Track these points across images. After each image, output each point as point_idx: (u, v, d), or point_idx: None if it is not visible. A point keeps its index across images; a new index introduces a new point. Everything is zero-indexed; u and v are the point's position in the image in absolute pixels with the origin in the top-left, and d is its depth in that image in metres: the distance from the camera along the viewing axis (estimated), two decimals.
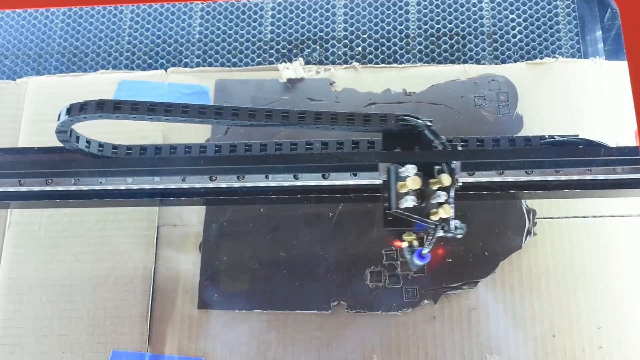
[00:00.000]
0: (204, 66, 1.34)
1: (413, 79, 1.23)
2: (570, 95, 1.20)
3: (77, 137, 0.95)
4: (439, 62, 1.30)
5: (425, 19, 1.35)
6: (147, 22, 1.39)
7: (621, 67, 1.20)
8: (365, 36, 1.34)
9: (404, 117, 0.89)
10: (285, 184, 0.91)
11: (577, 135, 0.96)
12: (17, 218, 1.18)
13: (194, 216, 1.15)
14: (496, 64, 1.29)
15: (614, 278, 1.09)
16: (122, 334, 1.11)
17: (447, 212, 0.81)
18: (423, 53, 1.32)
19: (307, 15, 1.37)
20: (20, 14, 1.41)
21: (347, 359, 1.07)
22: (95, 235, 1.16)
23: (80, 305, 1.12)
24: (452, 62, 1.30)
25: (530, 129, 1.17)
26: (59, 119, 0.87)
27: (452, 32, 1.33)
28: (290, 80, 1.24)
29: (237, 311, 1.09)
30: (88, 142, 0.98)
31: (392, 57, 1.32)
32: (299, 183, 0.91)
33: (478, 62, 1.30)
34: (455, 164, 0.85)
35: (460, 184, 0.86)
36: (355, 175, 0.90)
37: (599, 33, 1.28)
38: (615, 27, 1.26)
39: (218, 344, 1.09)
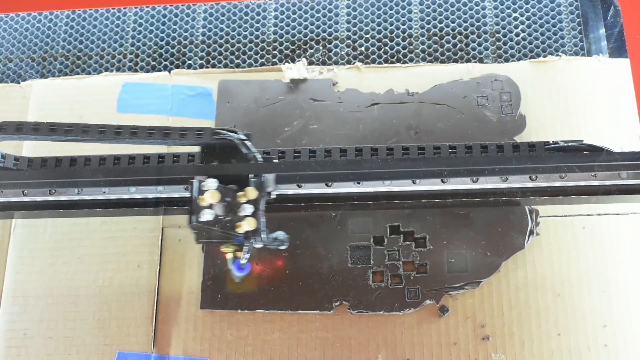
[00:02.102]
0: (207, 67, 1.34)
1: (416, 78, 1.23)
2: (574, 93, 1.19)
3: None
4: (442, 62, 1.30)
5: (428, 18, 1.35)
6: (151, 24, 1.39)
7: (624, 65, 1.20)
8: (368, 36, 1.34)
9: (220, 130, 0.90)
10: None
11: (582, 141, 0.96)
12: (23, 221, 1.18)
13: None
14: (499, 62, 1.28)
15: (620, 276, 1.08)
16: (128, 336, 1.11)
17: (251, 224, 0.83)
18: (426, 52, 1.32)
19: (309, 16, 1.37)
20: (24, 17, 1.42)
21: (352, 358, 1.07)
22: (100, 237, 1.16)
23: (86, 307, 1.13)
24: (455, 61, 1.30)
25: (534, 128, 1.17)
26: None
27: (455, 32, 1.33)
28: (293, 81, 1.24)
29: (240, 311, 1.10)
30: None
31: (395, 57, 1.32)
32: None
33: (481, 61, 1.30)
34: (266, 177, 0.87)
35: (274, 196, 0.88)
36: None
37: (602, 31, 1.28)
38: (618, 25, 1.26)
39: (223, 345, 1.09)
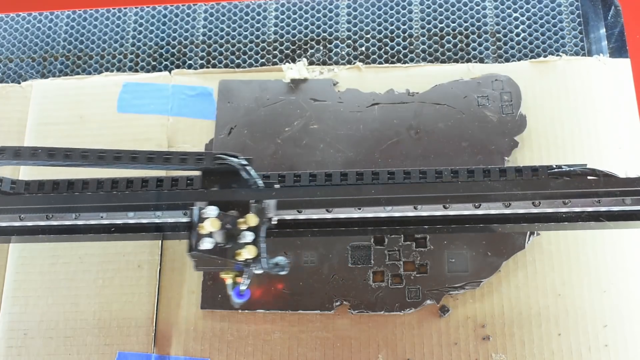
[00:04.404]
0: (207, 67, 1.34)
1: (416, 78, 1.23)
2: (575, 93, 1.19)
3: None
4: (442, 62, 1.30)
5: (428, 18, 1.35)
6: (151, 24, 1.39)
7: (625, 65, 1.20)
8: (368, 36, 1.34)
9: (221, 155, 0.89)
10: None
11: (585, 165, 0.96)
12: None
13: None
14: (500, 62, 1.28)
15: (620, 276, 1.08)
16: (128, 336, 1.11)
17: (251, 252, 0.83)
18: (426, 52, 1.32)
19: (310, 16, 1.37)
20: (24, 17, 1.42)
21: (352, 358, 1.07)
22: None
23: (86, 307, 1.13)
24: (456, 61, 1.30)
25: (534, 128, 1.17)
26: None
27: (455, 31, 1.33)
28: (293, 81, 1.24)
29: (240, 311, 1.10)
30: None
31: (396, 57, 1.32)
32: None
33: (481, 61, 1.30)
34: (267, 203, 0.86)
35: (275, 222, 0.87)
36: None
37: (602, 31, 1.28)
38: (618, 25, 1.26)
39: (223, 345, 1.09)
